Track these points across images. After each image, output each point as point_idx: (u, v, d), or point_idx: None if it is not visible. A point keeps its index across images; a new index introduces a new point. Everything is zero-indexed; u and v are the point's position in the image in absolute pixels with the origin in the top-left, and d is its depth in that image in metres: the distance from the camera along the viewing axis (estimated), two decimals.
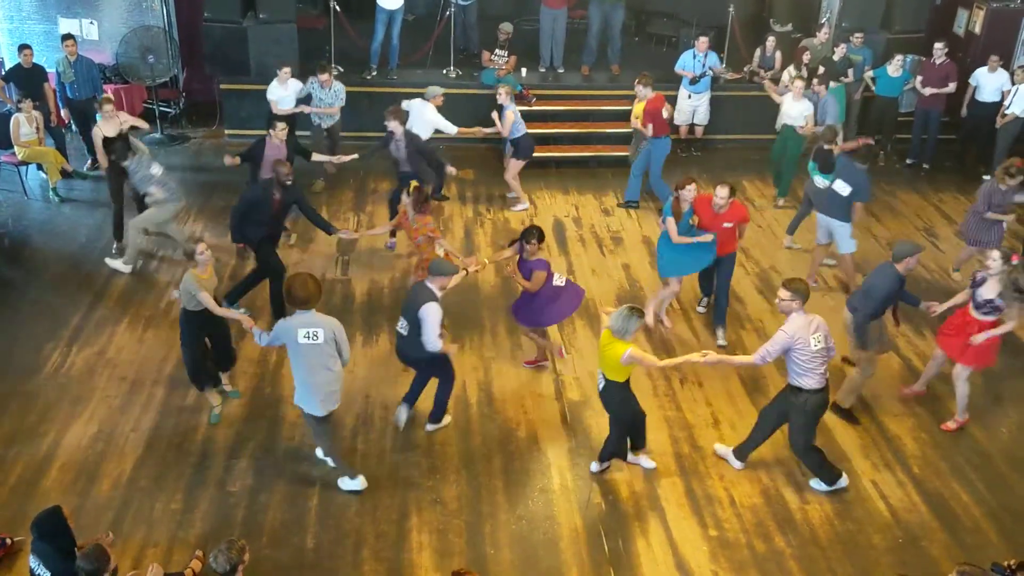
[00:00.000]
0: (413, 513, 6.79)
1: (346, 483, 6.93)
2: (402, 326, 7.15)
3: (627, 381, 6.83)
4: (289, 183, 8.57)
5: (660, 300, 9.12)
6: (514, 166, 11.35)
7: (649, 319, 8.92)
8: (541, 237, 7.86)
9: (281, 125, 9.84)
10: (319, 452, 7.16)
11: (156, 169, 9.29)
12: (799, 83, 11.25)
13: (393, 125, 9.88)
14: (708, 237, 8.45)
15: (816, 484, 7.13)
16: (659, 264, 8.96)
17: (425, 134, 10.93)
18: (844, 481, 7.14)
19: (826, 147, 10.13)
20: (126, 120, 10.11)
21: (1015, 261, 7.49)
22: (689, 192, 8.47)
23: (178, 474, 7.02)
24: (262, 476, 7.05)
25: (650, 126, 10.94)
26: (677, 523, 6.81)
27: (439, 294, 7.05)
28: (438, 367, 7.34)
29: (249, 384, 8.06)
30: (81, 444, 7.26)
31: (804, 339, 6.57)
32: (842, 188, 9.31)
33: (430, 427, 7.61)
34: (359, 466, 7.13)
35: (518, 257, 8.01)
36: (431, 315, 6.91)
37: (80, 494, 6.77)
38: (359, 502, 6.84)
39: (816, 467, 7.06)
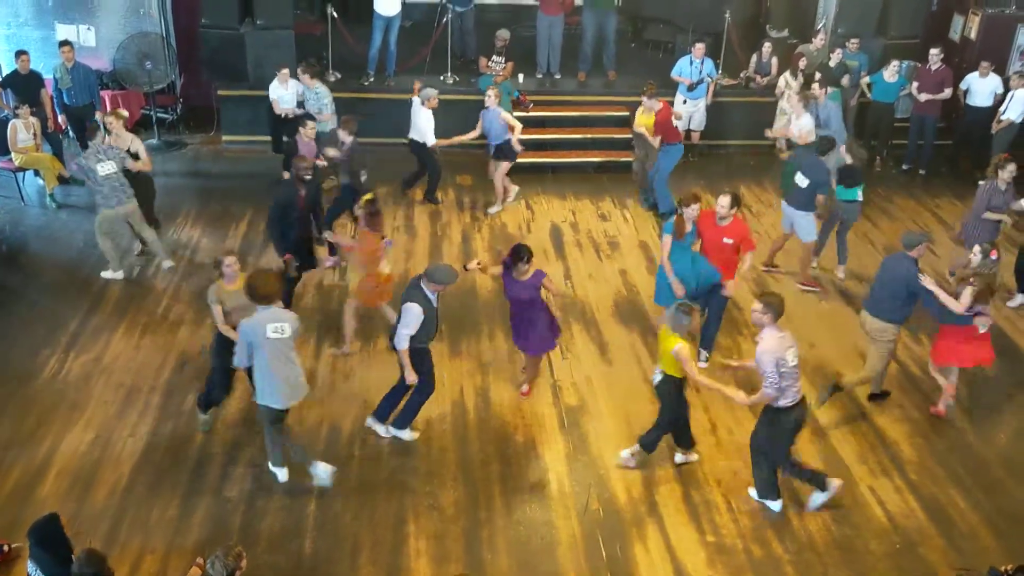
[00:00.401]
0: (410, 519, 6.78)
1: (317, 471, 6.95)
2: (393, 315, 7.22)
3: (683, 380, 6.91)
4: (308, 177, 8.63)
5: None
6: (503, 168, 11.42)
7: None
8: (531, 255, 7.55)
9: (311, 124, 10.10)
10: (314, 468, 7.03)
11: (104, 169, 9.16)
12: (796, 99, 11.19)
13: (343, 135, 9.86)
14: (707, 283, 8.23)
15: (816, 498, 6.98)
16: (656, 292, 8.71)
17: (421, 137, 11.01)
18: (836, 484, 6.98)
19: (848, 163, 10.24)
20: (137, 148, 9.83)
21: (993, 256, 7.55)
22: (693, 211, 8.21)
23: (175, 480, 7.01)
24: (259, 482, 7.04)
25: (659, 137, 11.00)
26: (675, 529, 6.81)
27: (432, 296, 7.04)
28: (416, 368, 7.22)
29: (245, 389, 8.02)
30: (78, 450, 7.25)
31: (782, 355, 6.47)
32: (801, 180, 9.64)
33: (393, 431, 7.52)
34: (356, 471, 7.14)
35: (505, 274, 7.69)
36: (408, 314, 6.91)
37: (77, 500, 6.76)
38: (356, 507, 6.84)
39: (806, 478, 6.98)
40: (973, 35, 13.68)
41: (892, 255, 7.92)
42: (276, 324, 6.48)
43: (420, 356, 7.15)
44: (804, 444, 7.67)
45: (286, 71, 11.37)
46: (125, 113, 10.51)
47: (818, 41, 12.94)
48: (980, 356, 7.86)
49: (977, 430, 8.02)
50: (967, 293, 7.44)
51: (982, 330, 7.58)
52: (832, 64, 12.54)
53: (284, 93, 11.37)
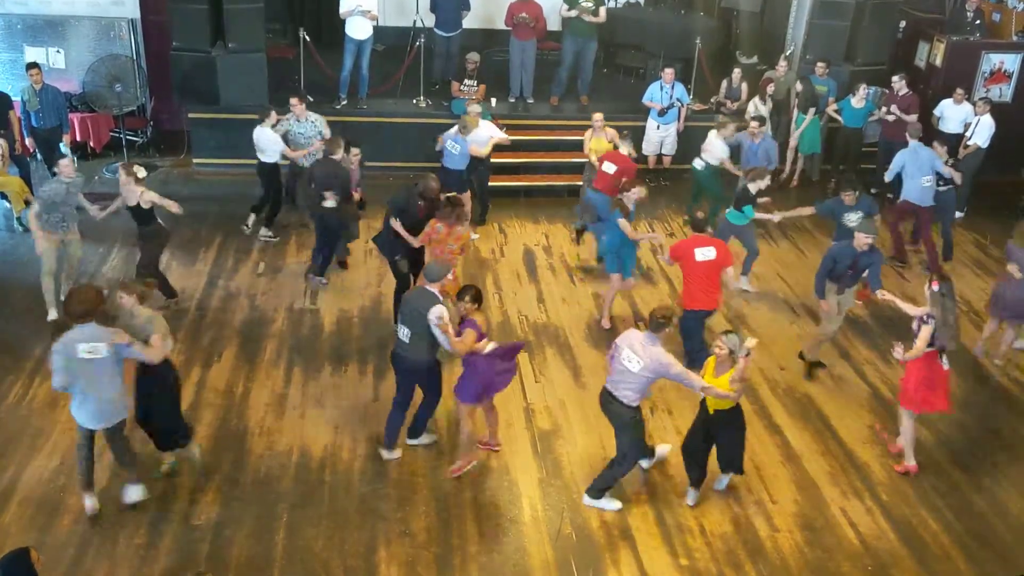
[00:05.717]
0: (381, 546, 6.70)
1: (130, 492, 6.84)
2: (404, 334, 7.15)
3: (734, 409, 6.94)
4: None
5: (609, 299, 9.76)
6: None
7: (605, 322, 9.68)
8: (477, 298, 7.10)
9: (355, 150, 10.19)
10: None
11: (52, 194, 8.90)
12: (755, 124, 11.40)
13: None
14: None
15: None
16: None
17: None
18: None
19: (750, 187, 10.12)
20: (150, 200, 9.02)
21: (935, 287, 7.30)
22: (634, 194, 9.29)
23: (141, 508, 6.88)
24: (228, 509, 6.93)
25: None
26: (648, 553, 6.78)
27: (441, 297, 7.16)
28: (433, 378, 7.41)
29: (215, 415, 7.95)
30: (42, 478, 7.11)
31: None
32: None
33: (411, 442, 7.66)
34: (327, 497, 7.06)
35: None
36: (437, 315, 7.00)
37: (40, 529, 6.62)
38: (327, 535, 6.75)
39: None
40: (939, 62, 13.91)
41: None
42: (90, 344, 6.27)
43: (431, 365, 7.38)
44: (775, 467, 7.70)
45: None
46: (141, 172, 9.09)
47: (780, 69, 13.14)
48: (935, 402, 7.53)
49: (947, 451, 8.08)
50: (925, 331, 7.20)
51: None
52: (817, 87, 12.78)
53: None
